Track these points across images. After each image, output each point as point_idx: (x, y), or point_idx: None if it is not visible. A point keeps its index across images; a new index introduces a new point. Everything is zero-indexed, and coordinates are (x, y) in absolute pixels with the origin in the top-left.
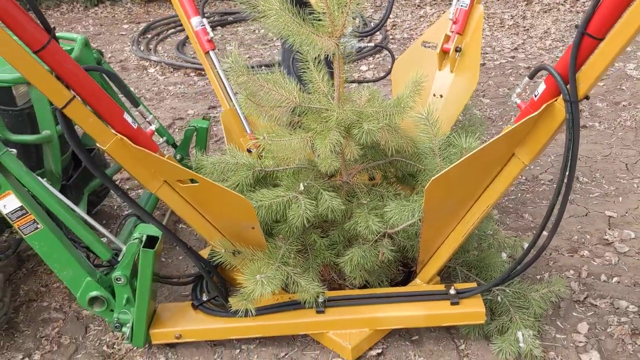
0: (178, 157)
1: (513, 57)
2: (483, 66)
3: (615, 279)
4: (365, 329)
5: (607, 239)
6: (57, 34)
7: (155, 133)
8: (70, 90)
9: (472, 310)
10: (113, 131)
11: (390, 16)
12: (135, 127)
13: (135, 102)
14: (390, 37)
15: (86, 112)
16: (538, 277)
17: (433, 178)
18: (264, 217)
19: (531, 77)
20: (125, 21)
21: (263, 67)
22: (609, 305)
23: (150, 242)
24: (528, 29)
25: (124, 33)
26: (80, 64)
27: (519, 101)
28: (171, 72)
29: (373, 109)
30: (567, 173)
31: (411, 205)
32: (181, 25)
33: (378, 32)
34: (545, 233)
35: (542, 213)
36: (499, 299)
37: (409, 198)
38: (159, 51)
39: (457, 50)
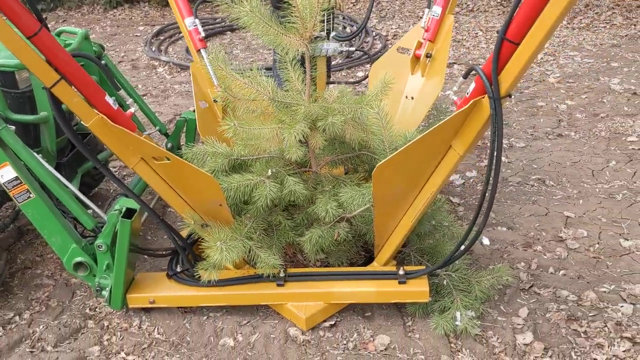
0: (169, 146)
1: None
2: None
3: (562, 272)
4: (321, 302)
5: (561, 237)
6: (63, 28)
7: (150, 123)
8: (58, 73)
9: (417, 289)
10: (95, 111)
11: (394, 27)
12: (116, 108)
13: (117, 87)
14: (390, 45)
15: (72, 92)
16: (491, 267)
17: (378, 164)
18: (234, 198)
19: (465, 76)
20: (141, 23)
21: (264, 70)
22: (551, 294)
23: (129, 213)
24: None
25: (138, 34)
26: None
27: (455, 98)
28: (178, 72)
29: (339, 105)
30: (493, 163)
31: (362, 191)
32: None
33: (373, 39)
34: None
35: (506, 211)
36: (444, 282)
37: (362, 185)
38: (170, 52)
39: (428, 56)
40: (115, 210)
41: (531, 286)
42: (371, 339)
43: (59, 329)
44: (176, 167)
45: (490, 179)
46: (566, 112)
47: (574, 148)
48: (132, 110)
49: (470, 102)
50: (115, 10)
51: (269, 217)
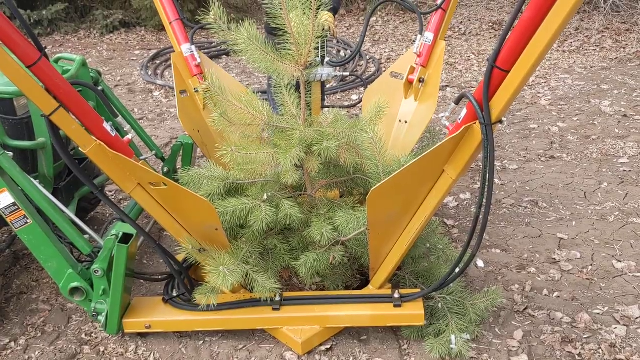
0: (165, 170)
1: None
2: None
3: (555, 294)
4: (317, 326)
5: (554, 258)
6: (60, 55)
7: (146, 147)
8: (57, 101)
9: (413, 312)
10: (93, 137)
11: (387, 50)
12: (114, 135)
13: (115, 114)
14: (384, 69)
15: (70, 120)
16: (486, 289)
17: (373, 188)
18: (229, 222)
19: (457, 102)
20: (137, 47)
21: (259, 94)
22: (545, 316)
23: (125, 238)
24: None
25: (134, 58)
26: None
27: (447, 123)
28: (174, 95)
29: (334, 129)
30: (485, 189)
31: (357, 215)
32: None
33: (367, 62)
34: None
35: (499, 233)
36: (439, 305)
37: (356, 208)
38: (166, 76)
39: (421, 80)
40: (112, 235)
41: (525, 308)
42: None
43: (55, 354)
44: (173, 193)
45: (483, 202)
46: (558, 134)
47: (566, 170)
48: (129, 136)
49: (462, 128)
50: (111, 35)
51: (264, 241)
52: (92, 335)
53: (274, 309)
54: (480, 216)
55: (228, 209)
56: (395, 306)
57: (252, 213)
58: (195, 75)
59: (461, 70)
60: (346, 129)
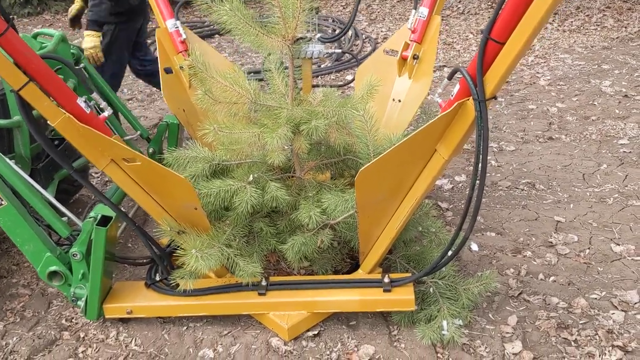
0: (150, 151)
1: None
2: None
3: (552, 278)
4: (304, 311)
5: (551, 242)
6: (39, 30)
7: (131, 127)
8: (27, 75)
9: (403, 297)
10: (62, 110)
11: (384, 30)
12: (89, 112)
13: (90, 90)
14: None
15: (41, 95)
16: (479, 273)
17: (361, 169)
18: (214, 204)
19: (449, 78)
20: None
21: (252, 73)
22: (541, 301)
23: (104, 221)
24: None
25: None
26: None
27: (440, 100)
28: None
29: (324, 108)
30: (479, 167)
31: (346, 197)
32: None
33: (362, 42)
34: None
35: (495, 216)
36: (430, 290)
37: (345, 190)
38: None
39: (415, 57)
40: (90, 217)
41: (520, 293)
42: (355, 349)
43: (33, 340)
44: (147, 170)
45: (476, 183)
46: (557, 115)
47: (564, 151)
48: (106, 114)
49: (455, 104)
50: None
51: (250, 223)
52: (73, 320)
53: (259, 294)
54: (474, 198)
55: (212, 191)
56: (384, 291)
57: (236, 195)
58: (181, 52)
59: (459, 50)
60: (336, 107)
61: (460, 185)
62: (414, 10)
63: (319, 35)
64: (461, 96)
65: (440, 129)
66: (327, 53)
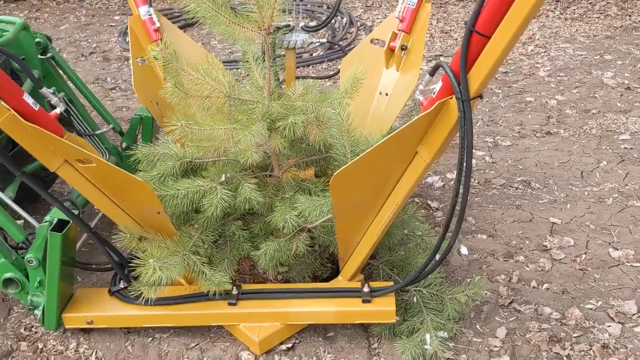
0: (124, 146)
1: None
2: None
3: (545, 286)
4: (276, 323)
5: (545, 245)
6: (0, 17)
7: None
8: None
9: (383, 308)
10: (6, 106)
11: (380, 17)
12: (37, 109)
13: (40, 85)
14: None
15: None
16: (468, 280)
17: (336, 173)
18: (181, 206)
19: (432, 74)
20: (118, 12)
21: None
22: (532, 311)
23: (61, 225)
24: None
25: (113, 24)
26: (16, 47)
27: (421, 98)
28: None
29: (302, 102)
30: (462, 171)
31: (320, 201)
32: (172, 18)
33: (357, 29)
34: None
35: (487, 217)
36: (414, 299)
37: (320, 194)
38: None
39: (403, 48)
40: (46, 221)
41: (511, 302)
42: None
43: None
44: (103, 172)
45: (460, 189)
46: (556, 107)
47: (562, 147)
48: (57, 110)
49: (436, 103)
50: None
51: (222, 226)
52: (32, 329)
53: (230, 304)
54: (457, 205)
55: (180, 192)
56: (363, 301)
57: (205, 197)
58: (155, 40)
59: (457, 39)
60: (316, 102)
61: (451, 183)
62: None
63: (302, 24)
64: (443, 94)
65: (421, 130)
66: (311, 42)
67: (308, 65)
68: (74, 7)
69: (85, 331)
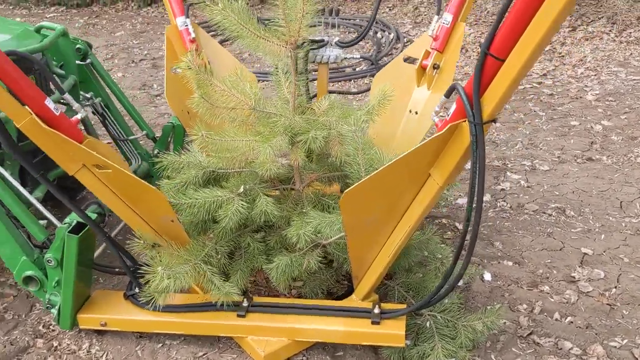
0: (155, 152)
1: (539, 83)
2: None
3: (568, 319)
4: (284, 338)
5: (573, 277)
6: (42, 24)
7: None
8: None
9: (392, 332)
10: (28, 110)
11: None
12: (58, 114)
13: (62, 90)
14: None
15: (3, 93)
16: (488, 307)
17: (346, 190)
18: (197, 215)
19: (447, 96)
20: None
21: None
22: (552, 345)
23: (79, 228)
24: (564, 56)
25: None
26: (56, 52)
27: (437, 119)
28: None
29: (326, 118)
30: (474, 197)
31: (331, 219)
32: (213, 32)
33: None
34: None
35: (515, 243)
36: (427, 324)
37: (332, 211)
38: None
39: (435, 67)
40: (65, 223)
41: (530, 333)
42: None
43: (5, 346)
44: (119, 178)
45: (472, 217)
46: (601, 133)
47: (603, 175)
48: (78, 116)
49: (447, 126)
50: (148, 8)
51: (237, 238)
52: (50, 327)
53: (238, 316)
54: (469, 233)
55: (197, 201)
56: (373, 323)
57: (221, 207)
58: (190, 51)
59: None
60: (339, 118)
61: (483, 205)
62: (436, 16)
63: (336, 39)
64: (457, 117)
65: (432, 152)
66: (344, 57)
67: (350, 80)
68: (131, 15)
69: (99, 333)
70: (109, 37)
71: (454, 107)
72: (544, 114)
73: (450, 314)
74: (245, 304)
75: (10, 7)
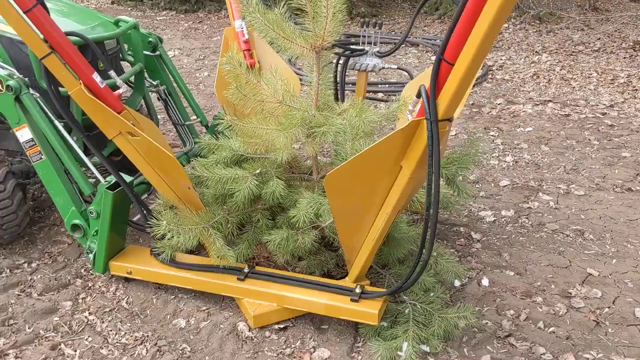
0: (207, 138)
1: (603, 114)
2: (567, 117)
3: (551, 329)
4: (274, 304)
5: (570, 292)
6: (120, 17)
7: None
8: (50, 47)
9: (367, 310)
10: (79, 81)
11: (503, 58)
12: (103, 86)
13: (108, 67)
14: (490, 76)
15: (60, 65)
16: (477, 308)
17: (328, 173)
18: (214, 188)
19: (418, 96)
20: None
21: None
22: (526, 349)
23: (116, 186)
24: (637, 90)
25: None
26: (127, 42)
27: (410, 117)
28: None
29: (344, 116)
30: (431, 190)
31: (320, 199)
32: None
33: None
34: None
35: (522, 256)
36: (406, 311)
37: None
38: None
39: None
40: (106, 181)
41: (508, 335)
42: (312, 349)
43: (50, 280)
44: (146, 145)
45: (430, 209)
46: (633, 164)
47: (637, 205)
48: (120, 91)
49: (409, 121)
50: None
51: (251, 213)
52: (90, 272)
53: (238, 279)
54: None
55: (220, 176)
56: (352, 300)
57: (236, 183)
58: (243, 50)
59: (574, 87)
60: (353, 118)
61: (503, 220)
62: None
63: (376, 49)
64: (420, 114)
65: (399, 144)
66: (382, 67)
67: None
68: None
69: (127, 280)
70: (206, 41)
71: (419, 106)
72: (597, 142)
73: (431, 306)
74: (246, 270)
75: (129, 9)
